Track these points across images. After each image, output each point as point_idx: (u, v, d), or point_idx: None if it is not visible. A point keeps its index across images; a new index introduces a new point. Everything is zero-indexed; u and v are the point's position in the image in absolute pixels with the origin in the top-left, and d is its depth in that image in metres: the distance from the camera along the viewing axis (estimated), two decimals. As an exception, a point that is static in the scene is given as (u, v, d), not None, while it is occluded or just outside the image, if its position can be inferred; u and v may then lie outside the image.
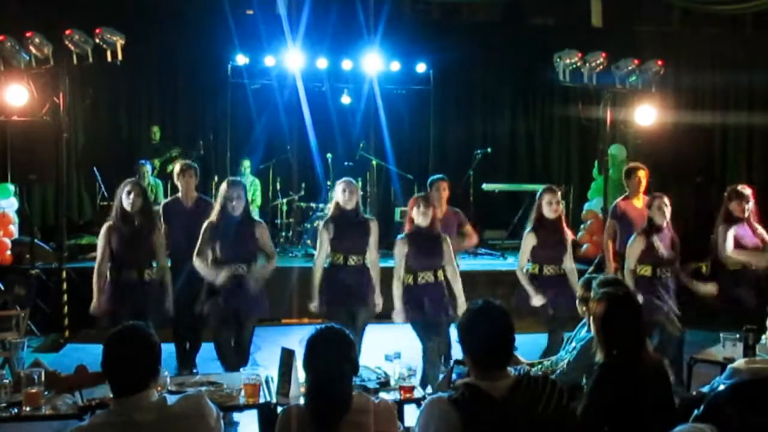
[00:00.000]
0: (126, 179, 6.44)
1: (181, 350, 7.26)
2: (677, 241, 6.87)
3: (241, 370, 4.72)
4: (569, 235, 6.83)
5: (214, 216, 6.28)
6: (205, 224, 6.29)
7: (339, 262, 6.66)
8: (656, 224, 6.73)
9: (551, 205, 6.65)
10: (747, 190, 7.09)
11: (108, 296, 6.32)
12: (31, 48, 8.60)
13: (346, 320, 6.50)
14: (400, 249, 6.36)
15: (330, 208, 6.84)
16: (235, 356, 6.29)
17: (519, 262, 6.82)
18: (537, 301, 6.61)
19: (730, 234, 6.97)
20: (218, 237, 6.21)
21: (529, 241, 6.71)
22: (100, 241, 6.34)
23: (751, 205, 7.03)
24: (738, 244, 6.98)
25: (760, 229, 7.09)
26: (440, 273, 6.40)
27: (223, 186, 6.32)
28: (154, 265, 6.47)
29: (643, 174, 7.82)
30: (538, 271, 6.70)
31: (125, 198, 6.24)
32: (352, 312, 6.65)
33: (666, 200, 6.74)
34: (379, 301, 6.72)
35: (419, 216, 6.31)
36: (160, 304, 6.38)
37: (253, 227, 6.38)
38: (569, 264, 6.78)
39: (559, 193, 6.75)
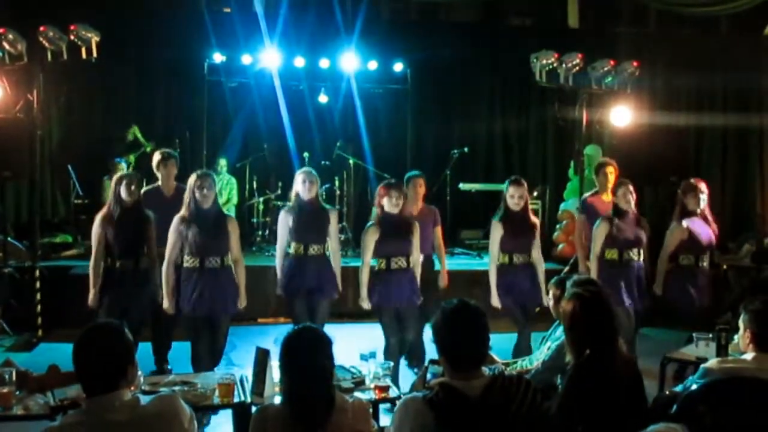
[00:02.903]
0: (124, 173, 6.72)
1: (158, 345, 7.21)
2: (646, 226, 6.98)
3: (216, 369, 4.70)
4: (536, 225, 6.90)
5: (184, 210, 6.26)
6: (174, 222, 6.25)
7: (300, 252, 6.71)
8: (621, 210, 6.84)
9: (513, 198, 6.72)
10: (701, 184, 7.19)
11: (104, 286, 6.44)
12: (5, 44, 8.50)
13: (305, 309, 6.63)
14: (371, 236, 6.42)
15: (291, 198, 6.88)
16: (210, 357, 6.28)
17: (491, 255, 6.89)
18: (495, 302, 6.70)
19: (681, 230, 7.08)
20: (190, 230, 6.19)
21: (496, 231, 6.80)
22: (96, 233, 6.43)
23: (705, 197, 7.13)
24: (693, 239, 7.08)
25: (714, 225, 7.21)
26: (411, 259, 6.48)
27: (192, 178, 6.30)
28: None
29: (611, 170, 7.90)
30: (508, 261, 6.77)
31: (124, 190, 6.39)
32: (311, 301, 6.72)
33: (631, 188, 6.87)
34: (339, 288, 6.85)
35: (391, 205, 6.38)
36: (151, 293, 6.56)
37: (225, 221, 6.40)
38: (536, 254, 6.86)
39: (525, 186, 6.80)
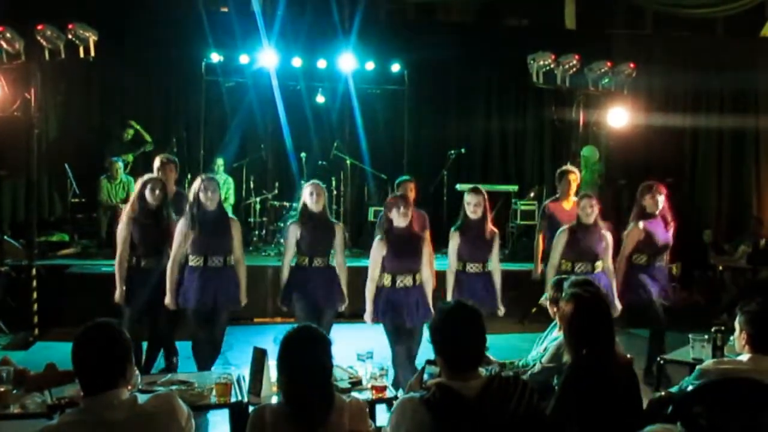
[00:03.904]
0: (149, 177, 6.74)
1: (169, 353, 7.26)
2: (608, 236, 6.98)
3: (213, 368, 4.70)
4: (495, 233, 6.84)
5: (188, 211, 6.42)
6: (180, 223, 6.42)
7: (304, 263, 6.72)
8: (582, 223, 6.87)
9: (470, 206, 6.69)
10: (659, 185, 7.27)
11: (129, 284, 6.60)
12: (3, 43, 8.50)
13: (311, 320, 6.59)
14: (378, 250, 6.29)
15: (299, 210, 6.89)
16: (210, 350, 6.46)
17: (448, 263, 6.87)
18: None
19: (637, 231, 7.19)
20: (195, 231, 6.34)
21: (453, 239, 6.78)
22: (122, 234, 6.61)
23: (662, 199, 7.19)
24: (649, 240, 7.17)
25: (672, 226, 7.30)
26: (418, 276, 6.36)
27: (197, 181, 6.51)
28: None
29: (573, 177, 8.08)
30: (461, 268, 6.73)
31: (149, 193, 6.55)
32: (316, 312, 6.71)
33: (594, 201, 6.89)
34: (345, 299, 6.84)
35: (399, 217, 6.25)
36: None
37: (228, 223, 6.58)
38: (494, 262, 6.81)
39: (483, 195, 6.74)
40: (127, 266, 6.61)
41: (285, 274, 6.79)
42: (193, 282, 6.39)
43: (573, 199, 8.01)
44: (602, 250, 6.91)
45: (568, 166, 8.38)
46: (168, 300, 6.43)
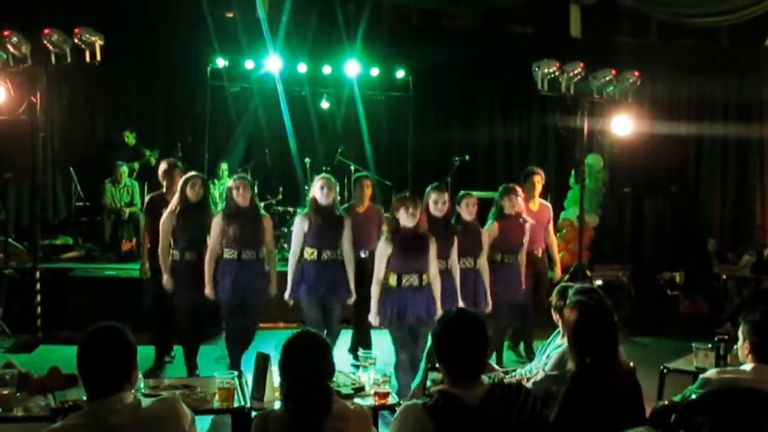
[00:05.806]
0: (191, 175, 7.10)
1: (162, 352, 7.48)
2: (485, 237, 7.24)
3: (215, 374, 4.69)
4: (457, 230, 6.87)
5: (226, 208, 6.91)
6: (216, 218, 6.86)
7: (313, 257, 6.82)
8: (463, 220, 7.09)
9: (437, 204, 6.69)
10: (517, 188, 7.65)
11: (172, 274, 7.05)
12: (9, 47, 8.52)
13: (318, 315, 6.76)
14: (383, 250, 6.23)
15: (308, 203, 7.01)
16: (242, 338, 6.94)
17: None
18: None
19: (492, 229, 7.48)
20: (230, 226, 6.74)
21: None
22: (164, 226, 7.03)
23: (519, 201, 7.55)
24: (503, 238, 7.49)
25: (528, 227, 7.64)
26: (425, 276, 6.25)
27: (231, 181, 6.97)
28: None
29: (538, 179, 8.29)
30: None
31: (189, 189, 6.99)
32: (325, 307, 6.85)
33: (474, 200, 7.16)
34: (353, 293, 6.97)
35: (407, 217, 6.17)
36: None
37: (260, 218, 6.95)
38: (453, 261, 6.77)
39: (447, 193, 6.81)
40: (171, 259, 7.02)
41: (292, 265, 6.93)
42: (227, 274, 6.77)
43: (539, 200, 8.31)
44: (481, 247, 7.13)
45: (533, 167, 8.51)
46: (207, 290, 6.82)
